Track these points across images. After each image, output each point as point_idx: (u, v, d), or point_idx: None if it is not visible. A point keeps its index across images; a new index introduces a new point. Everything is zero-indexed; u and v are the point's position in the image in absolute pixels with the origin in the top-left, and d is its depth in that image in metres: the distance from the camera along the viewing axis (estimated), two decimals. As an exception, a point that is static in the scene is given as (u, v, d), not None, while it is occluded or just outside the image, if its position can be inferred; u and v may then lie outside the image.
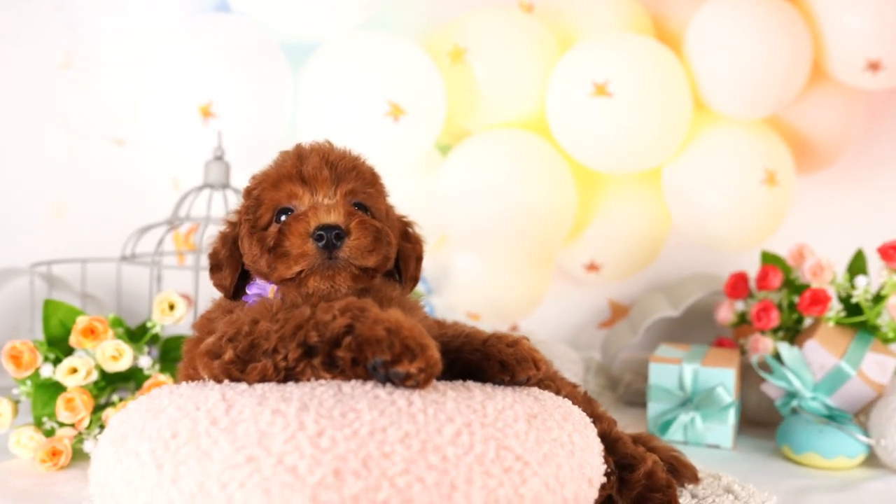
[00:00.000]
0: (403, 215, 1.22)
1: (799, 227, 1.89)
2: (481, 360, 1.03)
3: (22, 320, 1.75)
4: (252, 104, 1.78)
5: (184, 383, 1.01)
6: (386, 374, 0.90)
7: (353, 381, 0.92)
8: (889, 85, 1.82)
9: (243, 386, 0.93)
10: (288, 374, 0.95)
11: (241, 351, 0.96)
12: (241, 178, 1.73)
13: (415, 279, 1.20)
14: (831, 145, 1.89)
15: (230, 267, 1.15)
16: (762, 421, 1.62)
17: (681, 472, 1.22)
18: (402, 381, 0.90)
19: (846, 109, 1.87)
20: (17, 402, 1.37)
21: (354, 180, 1.11)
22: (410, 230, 1.22)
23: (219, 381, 0.97)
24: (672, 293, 1.86)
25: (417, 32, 1.86)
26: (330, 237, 1.03)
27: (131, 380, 1.45)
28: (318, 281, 1.05)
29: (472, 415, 0.88)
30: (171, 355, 1.59)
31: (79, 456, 1.36)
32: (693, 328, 1.85)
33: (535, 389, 1.03)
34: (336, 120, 1.77)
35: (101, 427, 1.38)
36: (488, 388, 0.98)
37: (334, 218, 1.05)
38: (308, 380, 0.94)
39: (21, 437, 1.33)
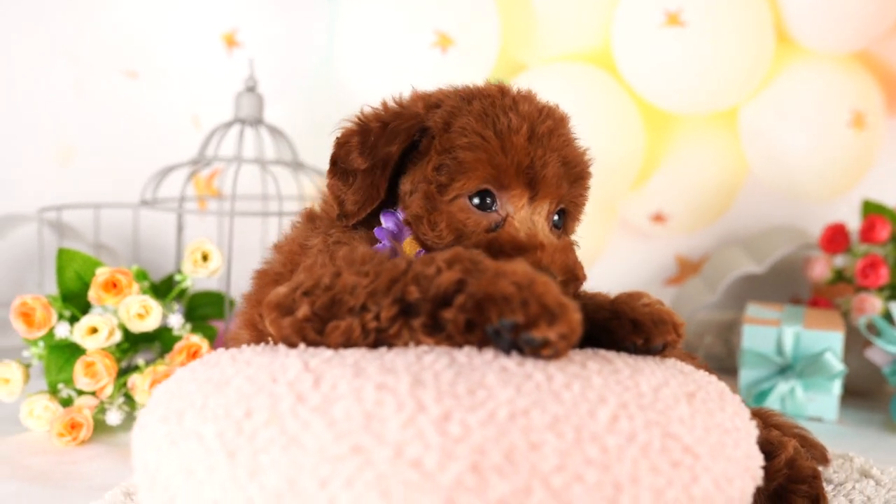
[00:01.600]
0: None
1: (889, 175, 1.71)
2: (609, 319, 0.84)
3: (29, 273, 1.56)
4: (282, 32, 1.60)
5: (247, 347, 0.81)
6: (513, 341, 0.72)
7: (466, 349, 0.73)
8: None
9: (328, 352, 0.74)
10: (379, 338, 0.76)
11: (320, 307, 0.77)
12: (273, 116, 1.55)
13: None
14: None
15: (363, 193, 0.90)
16: (864, 390, 1.45)
17: (809, 452, 1.05)
18: (536, 350, 0.71)
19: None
20: (28, 367, 1.17)
21: (578, 191, 0.92)
22: None
23: (290, 342, 0.79)
24: (752, 247, 1.68)
25: (468, -48, 1.66)
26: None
27: (157, 341, 1.27)
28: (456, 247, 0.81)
29: (625, 394, 0.70)
30: (198, 313, 1.40)
31: (101, 429, 1.18)
32: (777, 286, 1.68)
33: (676, 360, 0.85)
34: (377, 50, 1.57)
35: (127, 396, 1.20)
36: (629, 358, 0.79)
37: (558, 270, 0.83)
38: (404, 344, 0.76)
39: (34, 407, 1.14)
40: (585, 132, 1.55)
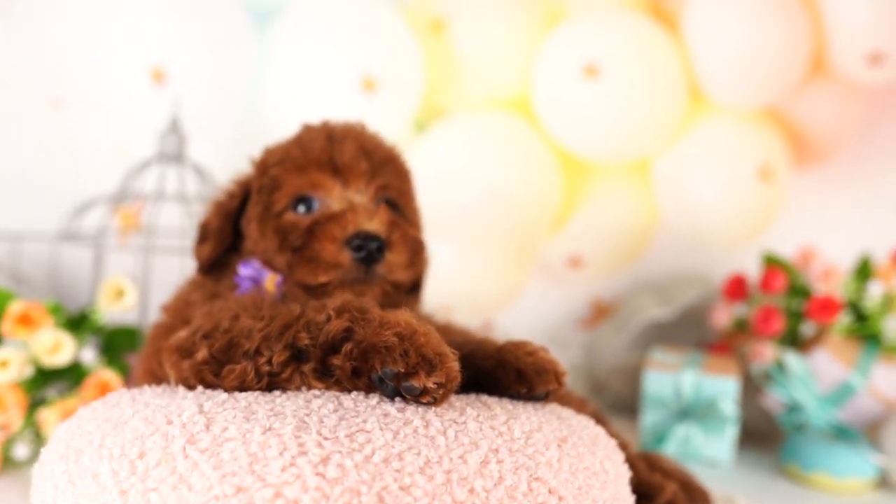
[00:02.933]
0: None
1: (793, 225, 1.79)
2: (495, 367, 0.88)
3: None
4: (210, 68, 1.59)
5: (147, 388, 0.85)
6: (396, 388, 0.76)
7: (353, 394, 0.77)
8: (892, 79, 1.72)
9: (223, 395, 0.78)
10: (272, 381, 0.80)
11: (218, 350, 0.81)
12: (197, 151, 1.57)
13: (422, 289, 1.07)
14: (829, 140, 1.79)
15: (215, 240, 1.00)
16: (760, 434, 1.51)
17: (693, 496, 1.10)
18: (417, 397, 0.75)
19: (846, 103, 1.77)
20: (-64, 398, 1.19)
21: (391, 175, 0.99)
22: None
23: (188, 384, 0.82)
24: (661, 293, 1.74)
25: (395, -1, 1.71)
26: (372, 249, 0.90)
27: (69, 375, 1.28)
28: (346, 294, 0.89)
29: (497, 439, 0.75)
30: (114, 349, 1.42)
31: (8, 463, 1.19)
32: (683, 331, 1.74)
33: (556, 406, 0.89)
34: (304, 90, 1.60)
35: (35, 431, 1.21)
36: (508, 404, 0.83)
37: (376, 226, 0.91)
38: (296, 388, 0.80)
39: (-59, 440, 1.15)
40: (504, 177, 1.62)
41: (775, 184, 1.69)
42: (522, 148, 1.68)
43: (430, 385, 0.74)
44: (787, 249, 1.58)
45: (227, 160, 1.65)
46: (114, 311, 1.27)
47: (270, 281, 0.93)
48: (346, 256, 0.91)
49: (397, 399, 0.76)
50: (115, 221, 1.58)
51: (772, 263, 1.51)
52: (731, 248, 1.77)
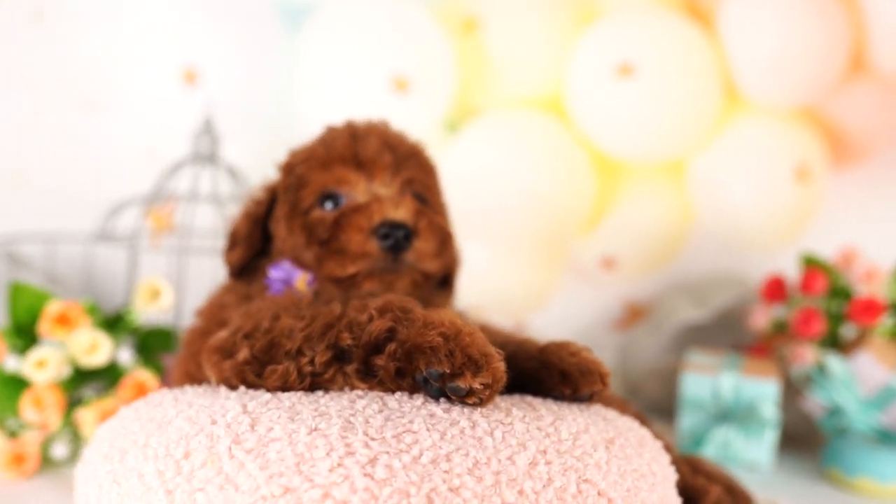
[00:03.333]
0: None
1: (831, 225, 1.76)
2: (538, 368, 0.87)
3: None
4: (241, 69, 1.61)
5: (188, 388, 0.84)
6: (441, 389, 0.75)
7: (398, 395, 0.76)
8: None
9: (266, 395, 0.77)
10: (314, 381, 0.79)
11: (259, 350, 0.80)
12: (230, 152, 1.57)
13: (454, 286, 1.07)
14: (868, 139, 1.76)
15: (245, 246, 1.01)
16: (799, 438, 1.48)
17: (737, 500, 1.08)
18: (463, 398, 0.74)
19: (886, 102, 1.74)
20: (-25, 399, 1.19)
21: (415, 168, 0.99)
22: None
23: (230, 384, 0.82)
24: (696, 294, 1.72)
25: (428, -1, 1.70)
26: (399, 237, 0.90)
27: (106, 375, 1.28)
28: (375, 284, 0.91)
29: (545, 440, 0.74)
30: (150, 349, 1.42)
31: (47, 462, 1.19)
32: (718, 333, 1.72)
33: (600, 407, 0.88)
34: (335, 90, 1.59)
35: (73, 430, 1.21)
36: (553, 405, 0.82)
37: (402, 214, 0.91)
38: (339, 389, 0.79)
39: (-20, 439, 1.15)
40: (537, 177, 1.61)
41: (812, 184, 1.67)
42: (555, 148, 1.66)
43: (477, 386, 0.73)
44: (825, 250, 1.56)
45: (260, 161, 1.65)
46: (149, 311, 1.26)
47: (302, 280, 0.93)
48: (374, 245, 0.91)
49: (442, 399, 0.75)
50: (148, 222, 1.59)
51: (812, 265, 1.49)
52: (767, 249, 1.74)
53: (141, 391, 1.19)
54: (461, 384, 0.73)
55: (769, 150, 1.67)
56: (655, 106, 1.61)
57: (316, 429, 0.69)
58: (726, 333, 1.71)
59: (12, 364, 1.17)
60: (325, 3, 1.63)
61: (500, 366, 0.75)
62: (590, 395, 0.87)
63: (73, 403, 1.23)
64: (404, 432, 0.70)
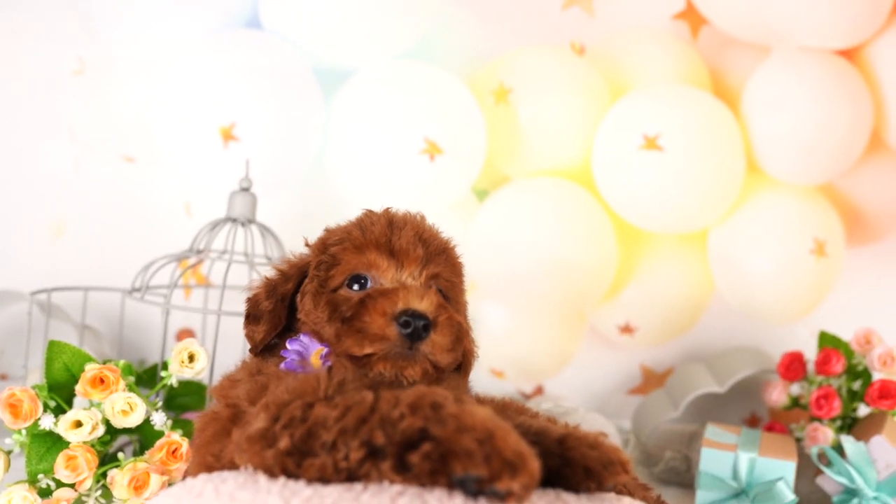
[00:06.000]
0: None
1: (847, 301, 1.79)
2: (561, 466, 0.89)
3: (12, 349, 1.59)
4: (278, 130, 1.65)
5: (229, 477, 0.86)
6: (479, 490, 0.77)
7: (438, 493, 0.78)
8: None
9: (307, 491, 0.79)
10: (350, 475, 0.81)
11: (299, 440, 0.82)
12: (264, 211, 1.61)
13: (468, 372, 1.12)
14: (884, 218, 1.80)
15: (269, 323, 1.05)
16: (815, 514, 1.50)
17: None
18: (502, 499, 0.77)
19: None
20: (9, 454, 1.22)
21: (443, 265, 1.03)
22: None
23: (271, 473, 0.84)
24: (714, 365, 1.74)
25: (461, 67, 1.73)
26: (418, 327, 0.93)
27: (137, 433, 1.31)
28: (387, 368, 0.94)
29: (584, 544, 0.76)
30: (177, 402, 1.45)
31: (77, 520, 1.21)
32: (736, 403, 1.74)
33: (630, 500, 0.90)
34: (368, 153, 1.64)
35: (104, 488, 1.23)
36: (586, 501, 0.85)
37: (425, 306, 0.94)
38: (376, 481, 0.81)
39: (13, 497, 1.17)
40: (563, 244, 1.64)
41: (829, 259, 1.70)
42: (581, 216, 1.70)
43: (516, 488, 0.75)
44: (840, 325, 1.58)
45: (292, 220, 1.70)
46: (184, 375, 1.29)
47: (316, 355, 0.97)
48: (393, 331, 0.94)
49: (481, 498, 0.77)
50: (182, 278, 1.62)
51: (829, 344, 1.51)
52: (784, 322, 1.77)
53: (173, 454, 1.21)
54: (500, 487, 0.75)
55: (788, 223, 1.71)
56: (679, 179, 1.65)
57: (360, 533, 0.71)
58: (742, 403, 1.74)
59: (47, 423, 1.19)
60: (362, 68, 1.67)
61: (536, 465, 0.76)
62: (613, 486, 0.90)
63: (104, 459, 1.25)
64: (446, 539, 0.72)
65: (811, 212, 1.72)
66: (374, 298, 0.95)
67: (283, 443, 0.82)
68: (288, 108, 1.65)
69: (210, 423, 0.97)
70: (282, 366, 0.98)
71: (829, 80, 1.68)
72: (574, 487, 0.89)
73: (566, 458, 0.89)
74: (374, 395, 0.83)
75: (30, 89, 1.70)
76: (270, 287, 1.08)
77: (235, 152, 1.60)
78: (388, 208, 1.07)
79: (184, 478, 1.03)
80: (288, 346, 0.99)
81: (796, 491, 1.41)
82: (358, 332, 0.95)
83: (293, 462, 0.82)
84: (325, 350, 0.98)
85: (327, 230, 1.09)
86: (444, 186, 1.66)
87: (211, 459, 0.94)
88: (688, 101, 1.68)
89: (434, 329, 0.94)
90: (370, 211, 1.08)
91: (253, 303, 1.08)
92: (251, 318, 1.07)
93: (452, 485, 0.79)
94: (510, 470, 0.75)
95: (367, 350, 0.94)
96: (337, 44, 1.67)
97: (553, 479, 0.89)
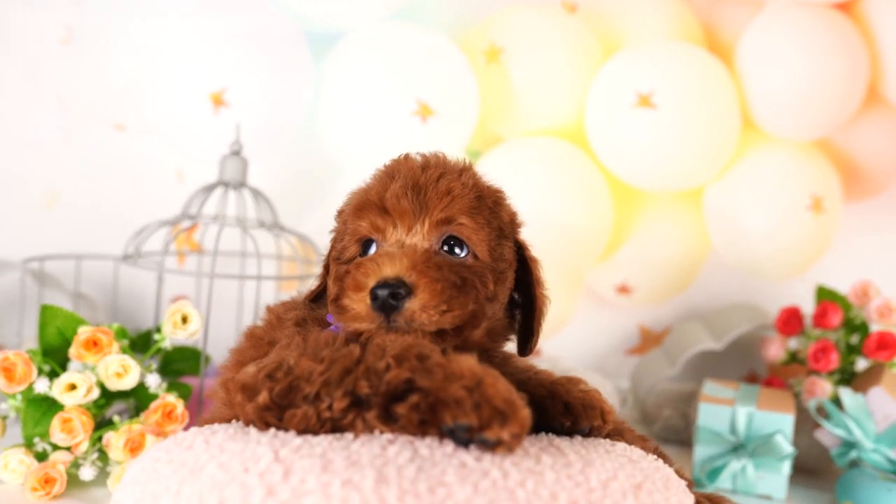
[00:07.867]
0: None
1: (845, 257, 1.78)
2: (545, 397, 0.91)
3: (7, 317, 1.59)
4: (269, 94, 1.63)
5: (219, 429, 0.86)
6: (469, 439, 0.77)
7: (428, 440, 0.78)
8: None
9: (297, 440, 0.78)
10: (335, 426, 0.80)
11: (278, 394, 0.81)
12: (256, 175, 1.60)
13: (537, 336, 1.02)
14: (882, 173, 1.78)
15: (321, 279, 1.04)
16: (813, 468, 1.50)
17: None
18: (492, 448, 0.76)
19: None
20: (4, 419, 1.21)
21: (448, 208, 0.91)
22: (527, 253, 1.03)
23: (255, 426, 0.83)
24: (712, 323, 1.74)
25: (451, 28, 1.72)
26: (384, 298, 0.85)
27: (132, 397, 1.30)
28: (405, 337, 0.86)
29: (576, 490, 0.76)
30: (172, 368, 1.44)
31: (74, 483, 1.21)
32: (734, 361, 1.74)
33: (625, 446, 0.90)
34: (359, 116, 1.62)
35: (100, 451, 1.23)
36: (581, 448, 0.85)
37: (397, 270, 0.86)
38: (362, 432, 0.80)
39: (9, 461, 1.17)
40: (558, 204, 1.63)
41: (826, 215, 1.69)
42: (575, 176, 1.68)
43: (505, 436, 0.74)
44: (838, 281, 1.58)
45: (285, 184, 1.69)
46: (177, 336, 1.28)
47: None
48: (363, 307, 0.87)
49: (472, 446, 0.77)
50: (175, 244, 1.61)
51: (826, 297, 1.51)
52: (782, 279, 1.76)
53: (168, 416, 1.21)
54: (490, 436, 0.74)
55: (784, 180, 1.69)
56: (673, 136, 1.63)
57: (350, 481, 0.71)
58: (740, 360, 1.73)
59: (41, 386, 1.19)
60: (352, 30, 1.65)
61: (526, 412, 0.76)
62: (588, 429, 0.91)
63: (100, 425, 1.25)
64: (438, 485, 0.71)
65: (808, 167, 1.71)
66: (351, 274, 0.89)
67: (262, 397, 0.82)
68: (278, 71, 1.63)
69: (255, 342, 1.00)
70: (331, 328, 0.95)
71: (824, 33, 1.66)
72: (551, 421, 0.90)
73: (552, 391, 0.91)
74: (362, 348, 0.82)
75: (18, 59, 1.69)
76: (330, 250, 1.01)
77: (226, 118, 1.58)
78: (407, 154, 0.98)
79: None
80: (328, 319, 0.97)
81: (795, 445, 1.41)
82: (342, 312, 0.90)
83: (273, 416, 0.82)
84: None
85: (347, 194, 1.00)
86: (436, 148, 1.63)
87: (226, 411, 0.92)
88: (681, 57, 1.66)
89: (413, 295, 0.85)
90: (392, 161, 0.98)
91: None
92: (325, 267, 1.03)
93: (442, 434, 0.78)
94: (500, 418, 0.75)
95: (355, 327, 0.89)
96: (326, 5, 1.66)
97: (534, 412, 0.85)
